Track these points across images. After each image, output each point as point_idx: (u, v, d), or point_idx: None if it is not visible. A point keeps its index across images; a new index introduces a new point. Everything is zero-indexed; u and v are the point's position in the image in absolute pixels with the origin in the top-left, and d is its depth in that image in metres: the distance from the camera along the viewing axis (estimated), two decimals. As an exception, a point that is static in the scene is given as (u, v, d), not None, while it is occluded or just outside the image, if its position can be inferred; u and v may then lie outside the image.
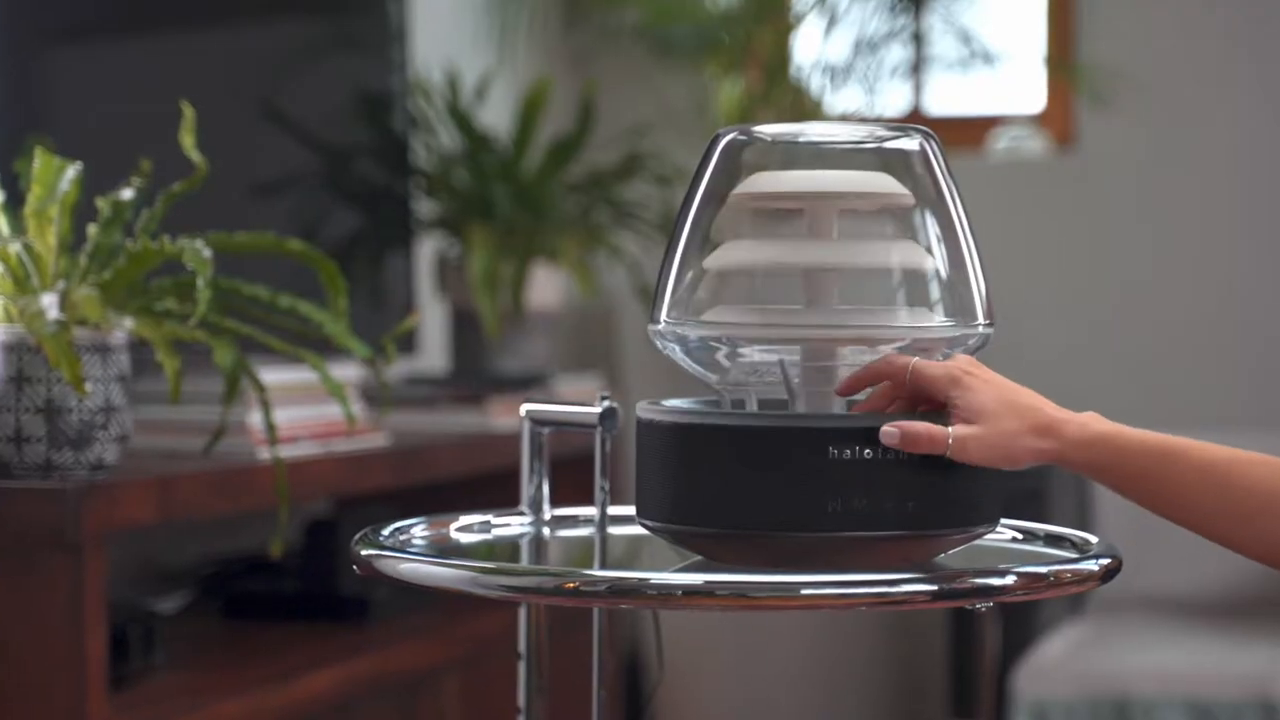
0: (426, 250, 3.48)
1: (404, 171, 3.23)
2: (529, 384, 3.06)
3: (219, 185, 2.67)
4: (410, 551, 1.52)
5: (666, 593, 1.35)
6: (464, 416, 2.90)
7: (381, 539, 1.56)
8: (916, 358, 1.45)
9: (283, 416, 2.36)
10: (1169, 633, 3.70)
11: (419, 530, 1.64)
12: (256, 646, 2.55)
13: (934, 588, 1.37)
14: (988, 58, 4.04)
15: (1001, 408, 1.42)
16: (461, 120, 3.23)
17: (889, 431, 1.39)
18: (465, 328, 3.23)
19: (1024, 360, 4.09)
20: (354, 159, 3.14)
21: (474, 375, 3.19)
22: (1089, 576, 1.45)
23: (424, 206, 3.32)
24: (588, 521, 1.72)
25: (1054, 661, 3.51)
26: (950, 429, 1.41)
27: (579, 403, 1.68)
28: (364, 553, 1.49)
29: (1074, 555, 1.53)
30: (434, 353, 3.55)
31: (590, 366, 4.08)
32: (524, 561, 1.62)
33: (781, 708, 4.03)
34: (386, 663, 2.54)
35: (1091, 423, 1.43)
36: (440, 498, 2.82)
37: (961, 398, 1.42)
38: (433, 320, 3.52)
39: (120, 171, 2.10)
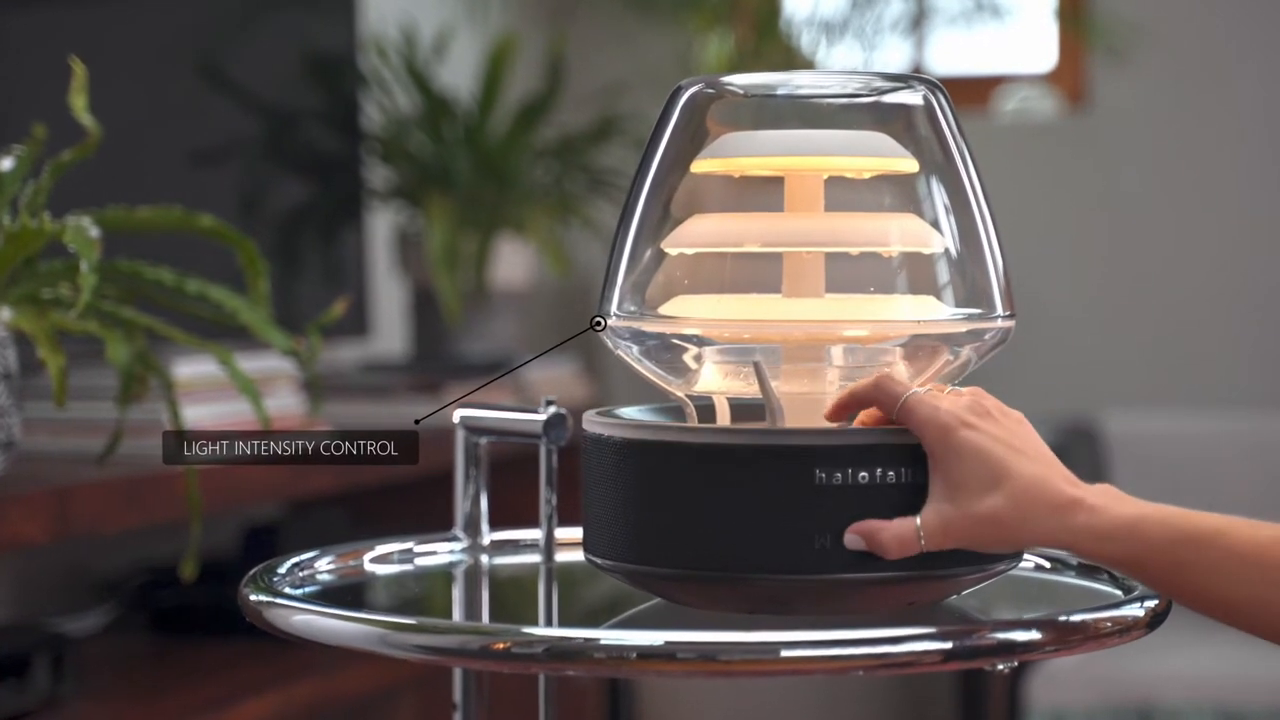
0: (382, 223, 3.32)
1: (356, 137, 3.07)
2: (492, 369, 2.90)
3: (152, 154, 2.47)
4: (303, 599, 1.27)
5: (618, 656, 1.14)
6: (420, 407, 2.70)
7: (275, 580, 1.31)
8: (915, 388, 1.21)
9: (208, 413, 2.19)
10: (1195, 635, 3.53)
11: (325, 564, 1.39)
12: (186, 668, 2.40)
13: (946, 646, 1.14)
14: (995, 12, 3.95)
15: (987, 481, 1.16)
16: (419, 80, 3.05)
17: (852, 538, 1.18)
18: (425, 308, 3.03)
19: (1034, 332, 3.95)
20: (301, 123, 2.97)
21: (433, 360, 2.98)
22: (1134, 624, 1.24)
23: (378, 175, 3.16)
24: (533, 547, 1.50)
25: (1071, 666, 3.38)
26: (918, 519, 1.17)
27: (522, 408, 1.48)
28: (253, 598, 1.25)
29: (1114, 593, 1.31)
30: (391, 336, 3.37)
31: (565, 349, 3.89)
32: (454, 603, 1.42)
33: (780, 708, 3.93)
34: (333, 684, 2.39)
35: (1111, 505, 1.16)
36: (393, 499, 2.65)
37: (945, 461, 1.17)
38: (390, 300, 3.34)
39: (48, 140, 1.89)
